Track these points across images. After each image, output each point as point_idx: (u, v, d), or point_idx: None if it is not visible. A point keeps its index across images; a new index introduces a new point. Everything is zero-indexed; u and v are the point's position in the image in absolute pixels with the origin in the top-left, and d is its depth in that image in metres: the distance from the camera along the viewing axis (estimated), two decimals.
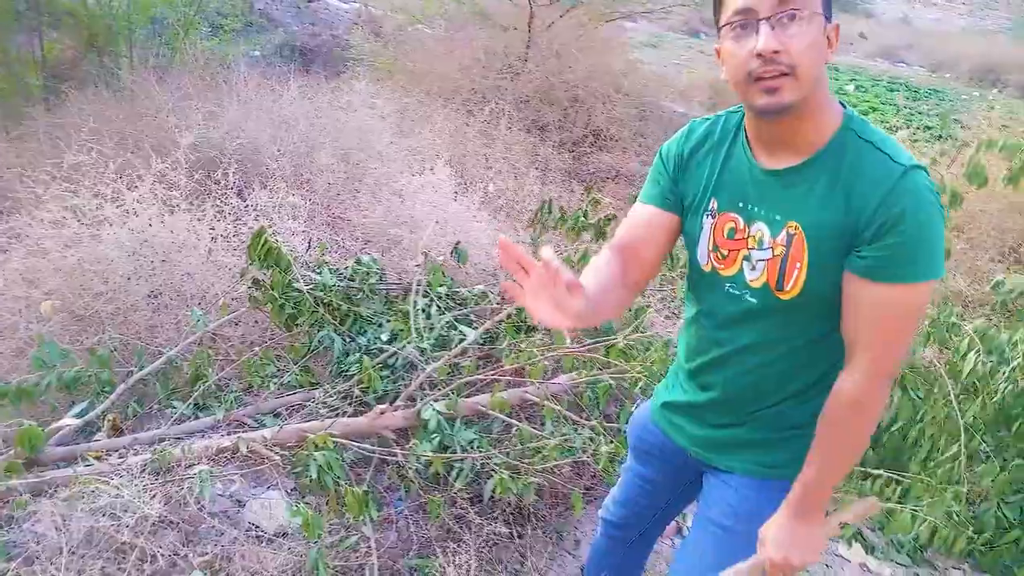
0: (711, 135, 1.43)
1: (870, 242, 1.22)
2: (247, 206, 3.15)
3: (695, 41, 15.27)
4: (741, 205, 1.36)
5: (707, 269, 1.41)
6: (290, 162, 3.83)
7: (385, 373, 2.61)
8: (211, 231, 3.02)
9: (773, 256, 1.32)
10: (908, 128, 9.74)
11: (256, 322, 2.97)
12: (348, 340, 2.71)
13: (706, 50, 13.59)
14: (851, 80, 12.20)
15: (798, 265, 1.30)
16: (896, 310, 1.24)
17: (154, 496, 2.05)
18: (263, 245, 2.65)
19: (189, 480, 2.10)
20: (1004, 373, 2.91)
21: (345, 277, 2.84)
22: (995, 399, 2.87)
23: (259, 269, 2.68)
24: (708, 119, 1.46)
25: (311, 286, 2.73)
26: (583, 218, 3.30)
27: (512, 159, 5.70)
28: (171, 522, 2.09)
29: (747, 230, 1.35)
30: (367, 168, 4.03)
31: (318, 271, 2.79)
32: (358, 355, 2.60)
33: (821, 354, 1.41)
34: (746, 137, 1.36)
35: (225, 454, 2.25)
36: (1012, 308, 3.74)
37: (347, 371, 2.59)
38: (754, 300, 1.36)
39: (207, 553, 2.02)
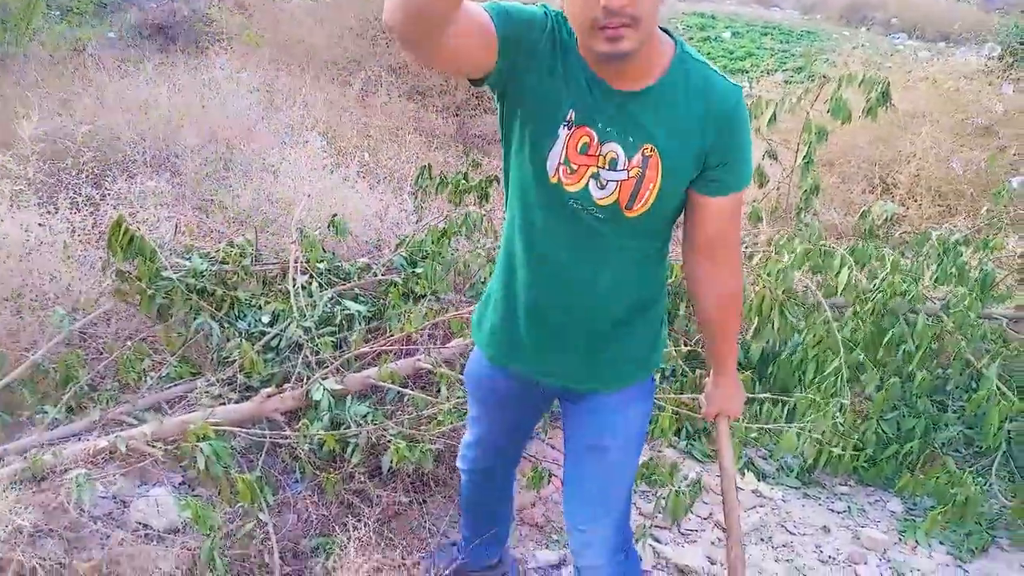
0: (566, 38, 1.33)
1: (716, 166, 1.36)
2: (103, 196, 2.96)
3: None
4: (598, 123, 1.34)
5: (553, 181, 1.38)
6: (152, 146, 3.63)
7: (270, 356, 2.53)
8: (67, 225, 2.83)
9: (628, 178, 1.35)
10: (782, 71, 10.12)
11: (131, 316, 2.82)
12: (227, 325, 2.60)
13: None
14: (727, 27, 12.51)
15: (651, 186, 1.36)
16: (736, 211, 1.46)
17: (28, 506, 1.93)
18: (124, 235, 2.50)
19: (66, 485, 1.98)
20: (875, 286, 3.10)
21: (217, 261, 2.72)
22: (867, 308, 3.04)
23: (123, 260, 2.53)
24: (558, 14, 1.34)
25: (182, 273, 2.60)
26: (464, 181, 3.28)
27: (393, 127, 5.59)
28: (50, 531, 1.98)
29: (600, 148, 1.35)
30: (236, 147, 3.86)
31: (187, 257, 2.66)
32: (239, 340, 2.50)
33: (655, 265, 1.53)
34: (581, 56, 1.33)
35: (103, 455, 2.14)
36: (879, 233, 3.96)
37: (229, 357, 2.49)
38: (600, 216, 1.39)
39: (92, 559, 1.93)
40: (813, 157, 3.40)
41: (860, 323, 3.07)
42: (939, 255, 3.15)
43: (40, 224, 2.77)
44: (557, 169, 1.37)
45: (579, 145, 1.35)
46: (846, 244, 3.30)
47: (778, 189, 3.85)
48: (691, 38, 11.57)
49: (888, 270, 3.09)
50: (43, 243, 2.77)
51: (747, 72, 9.78)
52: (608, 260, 1.44)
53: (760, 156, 3.64)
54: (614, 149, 1.35)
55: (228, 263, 2.75)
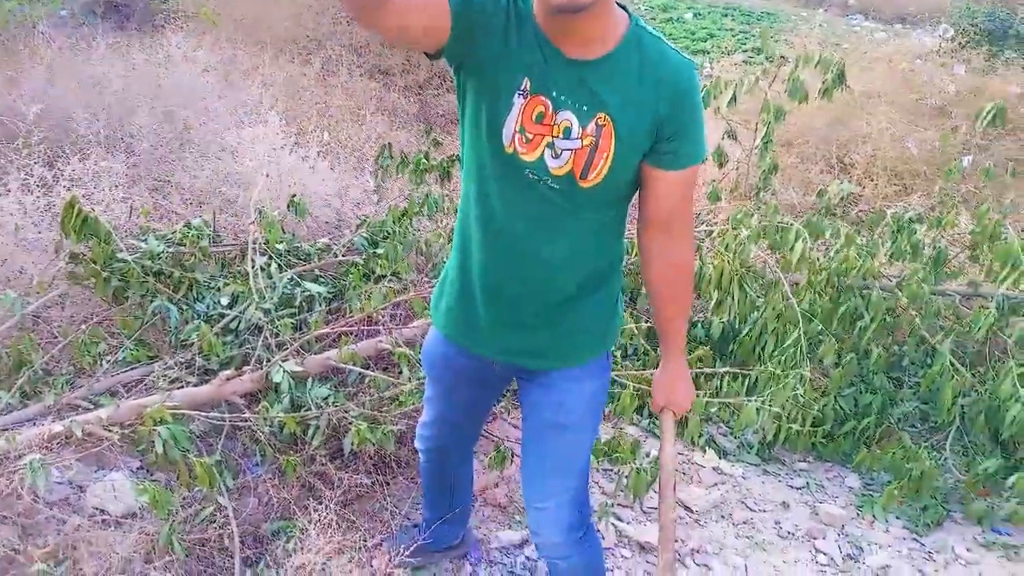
0: (522, 7, 1.34)
1: (670, 138, 1.37)
2: (56, 177, 2.89)
3: None
4: (553, 92, 1.34)
5: (509, 151, 1.38)
6: (105, 126, 3.54)
7: (229, 338, 2.51)
8: (19, 206, 2.76)
9: (582, 146, 1.35)
10: (741, 51, 10.18)
11: (86, 299, 2.77)
12: (185, 308, 2.57)
13: None
14: (688, 8, 12.56)
15: (605, 155, 1.36)
16: (691, 185, 1.47)
17: None
18: (77, 216, 2.44)
19: (20, 471, 1.95)
20: (829, 259, 3.16)
21: (174, 243, 2.68)
22: (821, 279, 3.10)
23: (77, 242, 2.48)
24: None
25: (137, 255, 2.56)
26: (425, 160, 3.26)
27: (354, 106, 5.52)
28: (4, 517, 1.94)
29: (554, 117, 1.34)
30: (193, 126, 3.79)
31: (143, 239, 2.62)
32: (197, 322, 2.47)
33: (610, 238, 1.53)
34: (537, 25, 1.33)
35: (59, 440, 2.10)
36: (836, 212, 4.03)
37: (187, 340, 2.46)
38: (555, 186, 1.39)
39: (48, 544, 1.90)
40: (772, 137, 3.45)
41: (817, 296, 3.12)
42: (893, 233, 3.21)
43: None
44: (513, 138, 1.37)
45: (534, 114, 1.35)
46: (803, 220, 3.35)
47: (737, 169, 3.89)
48: (654, 19, 11.60)
49: (843, 243, 3.15)
50: None
51: (708, 53, 9.83)
52: (563, 231, 1.44)
53: (720, 136, 3.68)
54: (568, 118, 1.35)
55: (185, 245, 2.71)
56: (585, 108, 1.34)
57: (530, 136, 1.36)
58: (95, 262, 2.49)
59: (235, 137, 3.65)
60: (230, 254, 2.83)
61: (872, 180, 4.62)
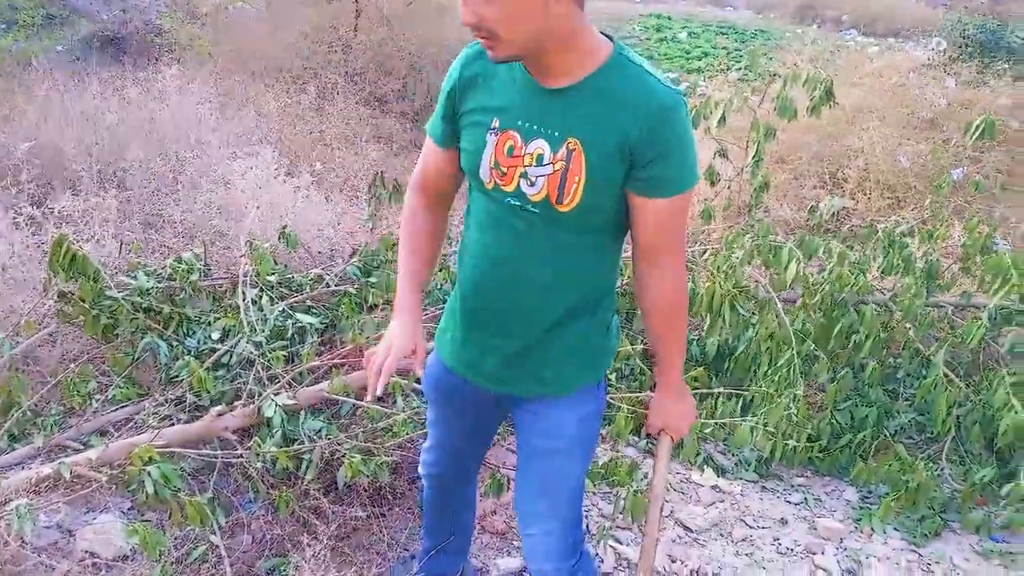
0: (486, 57, 1.43)
1: (646, 165, 1.37)
2: (45, 213, 2.90)
3: None
4: (520, 123, 1.41)
5: (490, 186, 1.46)
6: (97, 162, 3.56)
7: (220, 373, 2.49)
8: (8, 246, 2.77)
9: (554, 171, 1.39)
10: (736, 69, 10.24)
11: (76, 337, 2.76)
12: (176, 344, 2.56)
13: None
14: (683, 28, 12.64)
15: (576, 179, 1.38)
16: (679, 215, 1.45)
17: None
18: (66, 254, 2.45)
19: (6, 517, 1.93)
20: (823, 277, 3.15)
21: (165, 277, 2.67)
22: (815, 300, 3.09)
23: (66, 280, 2.48)
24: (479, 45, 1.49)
25: (127, 291, 2.56)
26: None
27: (350, 133, 5.55)
28: None
29: (524, 148, 1.41)
30: (186, 159, 3.81)
31: (133, 275, 2.62)
32: (187, 358, 2.46)
33: (599, 264, 1.54)
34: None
35: (47, 483, 2.09)
36: (828, 227, 4.02)
37: (177, 377, 2.45)
38: (535, 211, 1.44)
39: None
40: (762, 155, 3.45)
41: (810, 315, 3.11)
42: (885, 247, 3.20)
43: None
44: (490, 173, 1.45)
45: (505, 148, 1.42)
46: (795, 238, 3.34)
47: (729, 187, 3.89)
48: (648, 39, 11.67)
49: (835, 262, 3.15)
50: None
51: (702, 71, 9.88)
52: (547, 256, 1.48)
53: (711, 155, 3.68)
54: (540, 145, 1.40)
55: (176, 279, 2.70)
56: (556, 134, 1.38)
57: (504, 169, 1.43)
58: (84, 300, 2.49)
59: (228, 169, 3.66)
60: (221, 287, 2.82)
61: (865, 194, 4.62)
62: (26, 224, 2.81)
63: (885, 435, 3.04)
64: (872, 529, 2.78)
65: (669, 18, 13.32)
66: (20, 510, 1.90)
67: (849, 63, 5.86)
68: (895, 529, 2.78)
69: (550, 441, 1.61)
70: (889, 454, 2.90)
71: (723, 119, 3.40)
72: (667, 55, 10.84)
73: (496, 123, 1.42)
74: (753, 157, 3.44)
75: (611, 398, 2.68)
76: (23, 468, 2.20)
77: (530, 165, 1.40)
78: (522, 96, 1.40)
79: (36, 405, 2.42)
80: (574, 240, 1.46)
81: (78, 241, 2.75)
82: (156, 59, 6.43)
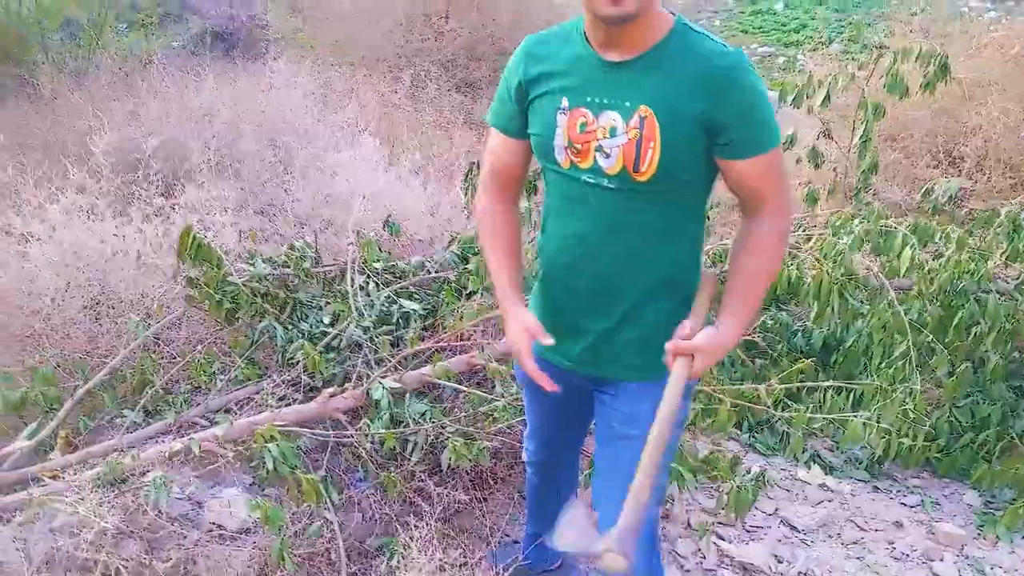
0: (550, 43, 1.51)
1: (727, 128, 1.40)
2: (173, 205, 3.09)
3: None
4: (590, 99, 1.44)
5: (566, 166, 1.50)
6: (215, 154, 3.76)
7: (331, 356, 2.61)
8: (140, 234, 2.97)
9: (628, 140, 1.42)
10: (839, 41, 9.80)
11: (201, 320, 2.95)
12: (290, 327, 2.70)
13: None
14: None
15: (652, 144, 1.40)
16: (768, 173, 1.46)
17: (111, 508, 2.05)
18: (192, 243, 2.61)
19: (145, 488, 2.10)
20: (940, 265, 3.00)
21: (279, 264, 2.81)
22: (932, 288, 2.95)
23: (192, 267, 2.64)
24: (543, 33, 1.56)
25: (246, 277, 2.70)
26: None
27: (443, 120, 5.65)
28: (131, 532, 2.09)
29: (596, 122, 1.44)
30: (294, 150, 3.97)
31: (251, 262, 2.77)
32: (301, 341, 2.59)
33: (680, 243, 1.55)
34: (586, 37, 1.46)
35: (178, 457, 2.25)
36: (944, 210, 3.83)
37: (292, 359, 2.58)
38: (612, 186, 1.46)
39: (171, 559, 2.04)
40: (871, 135, 3.31)
41: (927, 304, 2.97)
42: (1010, 233, 3.03)
43: (115, 235, 2.92)
44: (565, 153, 1.49)
45: (577, 125, 1.46)
46: (909, 220, 3.19)
47: (835, 170, 3.76)
48: (742, 12, 11.29)
49: (954, 248, 3.00)
50: (118, 253, 2.91)
51: (801, 44, 9.50)
52: (627, 231, 1.50)
53: (815, 136, 3.56)
54: (612, 117, 1.43)
55: (289, 266, 2.84)
56: (627, 104, 1.41)
57: (579, 146, 1.47)
58: (208, 285, 2.65)
59: (333, 159, 3.80)
60: (331, 274, 2.94)
61: (984, 174, 4.36)
62: (156, 215, 3.00)
63: (1011, 435, 2.87)
64: (997, 537, 2.63)
65: None
66: (157, 481, 2.06)
67: (964, 32, 5.51)
68: (1022, 538, 2.63)
69: (631, 427, 1.60)
70: (1015, 456, 2.75)
71: (827, 98, 3.29)
72: (762, 28, 10.49)
73: (565, 102, 1.46)
74: (861, 137, 3.31)
75: (711, 390, 2.65)
76: (157, 442, 2.37)
77: (604, 138, 1.44)
78: (588, 72, 1.44)
79: (167, 384, 2.60)
80: (653, 213, 1.49)
81: (201, 230, 2.93)
82: (263, 52, 6.71)
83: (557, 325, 1.61)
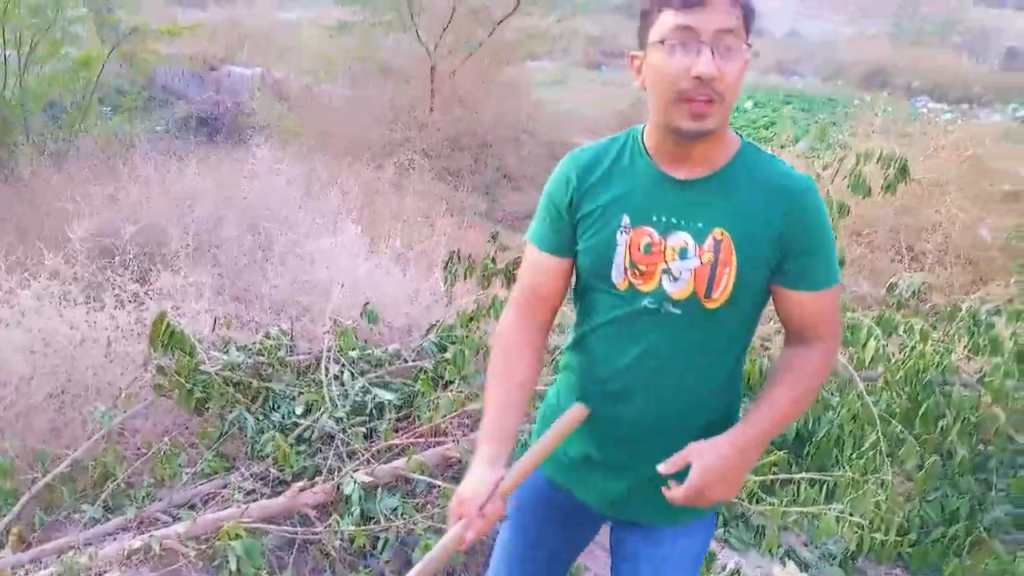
0: (602, 158, 1.41)
1: (798, 256, 1.32)
2: (148, 292, 3.09)
3: (598, 74, 15.76)
4: (656, 218, 1.34)
5: (623, 288, 1.37)
6: (194, 239, 3.78)
7: (302, 447, 2.58)
8: (112, 320, 2.95)
9: (701, 264, 1.32)
10: (805, 139, 10.18)
11: (168, 410, 2.90)
12: (261, 418, 2.67)
13: (609, 82, 13.99)
14: (748, 97, 12.69)
15: (727, 270, 1.31)
16: (830, 308, 1.38)
17: None
18: (165, 330, 2.60)
19: None
20: (905, 355, 3.05)
21: (254, 352, 2.80)
22: (898, 378, 2.98)
23: (163, 355, 2.63)
24: (590, 147, 1.45)
25: (219, 366, 2.69)
26: (491, 264, 3.35)
27: (426, 208, 5.75)
28: None
29: (663, 242, 1.33)
30: (274, 236, 4.01)
31: (225, 350, 2.75)
32: (272, 433, 2.56)
33: (736, 371, 1.44)
34: (646, 151, 1.37)
35: (137, 556, 2.18)
36: (908, 304, 3.92)
37: (262, 451, 2.55)
38: (678, 311, 1.34)
39: None
40: (836, 232, 3.41)
41: (894, 395, 3.01)
42: (970, 327, 3.10)
43: (86, 322, 2.90)
44: (625, 274, 1.36)
45: (641, 246, 1.35)
46: (874, 315, 3.26)
47: None
48: None
49: (918, 339, 3.05)
50: (87, 340, 2.88)
51: (770, 141, 9.87)
52: (692, 362, 1.38)
53: None
54: (682, 238, 1.33)
55: (264, 355, 2.83)
56: (700, 225, 1.32)
57: (642, 268, 1.35)
58: (179, 374, 2.63)
59: (313, 245, 3.84)
60: (305, 362, 2.93)
61: (945, 268, 4.50)
62: (129, 301, 2.99)
63: (980, 529, 2.87)
64: None
65: None
66: None
67: (923, 133, 5.77)
68: None
69: (663, 570, 1.49)
70: (984, 551, 2.74)
71: None
72: (733, 125, 10.85)
73: (626, 220, 1.35)
74: None
75: (757, 509, 2.62)
76: (115, 539, 2.30)
77: (673, 260, 1.33)
78: (652, 190, 1.35)
79: (129, 477, 2.54)
80: (720, 341, 1.38)
81: (176, 316, 2.92)
82: (247, 138, 6.84)
83: (597, 462, 1.46)
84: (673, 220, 1.33)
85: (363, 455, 2.50)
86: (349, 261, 3.68)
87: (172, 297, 3.20)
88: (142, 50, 7.76)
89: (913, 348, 3.05)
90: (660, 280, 1.34)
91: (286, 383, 2.83)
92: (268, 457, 2.52)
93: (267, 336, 2.91)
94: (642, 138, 1.39)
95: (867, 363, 3.02)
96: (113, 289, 3.05)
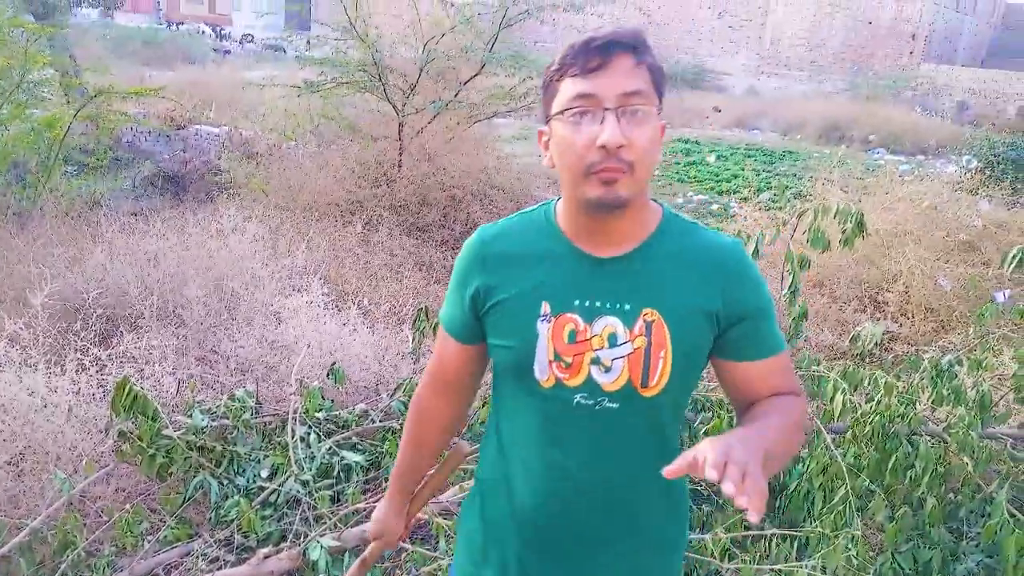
0: (513, 238, 1.30)
1: (737, 323, 1.23)
2: (111, 355, 3.04)
3: None
4: (578, 303, 1.22)
5: (548, 385, 1.23)
6: (159, 300, 3.74)
7: (268, 512, 2.53)
8: (73, 385, 2.89)
9: (634, 350, 1.20)
10: (767, 190, 10.43)
11: (131, 474, 2.83)
12: (226, 482, 2.61)
13: None
14: (711, 151, 13.01)
15: (662, 354, 1.20)
16: (788, 370, 1.29)
17: None
18: (128, 395, 2.56)
19: None
20: (872, 408, 3.09)
21: (218, 415, 2.76)
22: (865, 431, 3.02)
23: (125, 420, 2.57)
24: (500, 225, 1.34)
25: (183, 430, 2.64)
26: None
27: (394, 263, 5.76)
28: None
29: (589, 329, 1.21)
30: (240, 296, 3.98)
31: (189, 414, 2.71)
32: (237, 498, 2.51)
33: (675, 456, 1.27)
34: (561, 229, 1.27)
35: None
36: (873, 354, 3.99)
37: (227, 516, 2.49)
38: (614, 405, 1.22)
39: None
40: (798, 285, 3.49)
41: (862, 448, 3.04)
42: (933, 378, 3.16)
43: (47, 387, 2.83)
44: (549, 368, 1.23)
45: (565, 335, 1.22)
46: (841, 365, 3.32)
47: None
48: (677, 163, 12.02)
49: (883, 392, 3.10)
50: (47, 405, 2.82)
51: (733, 192, 10.10)
52: (631, 456, 1.26)
53: None
54: (610, 323, 1.21)
55: (229, 417, 2.79)
56: (627, 307, 1.21)
57: (568, 360, 1.22)
58: (142, 439, 2.57)
59: (280, 304, 3.81)
60: (271, 425, 2.89)
61: (908, 318, 4.60)
62: (91, 364, 2.94)
63: None
64: None
65: (697, 142, 13.75)
66: None
67: (880, 185, 5.96)
68: None
69: None
70: None
71: (756, 251, 3.47)
72: (696, 178, 11.13)
73: (547, 308, 1.23)
74: (789, 288, 3.48)
75: (729, 567, 2.60)
76: None
77: (601, 348, 1.21)
78: (572, 271, 1.24)
79: (90, 546, 2.46)
80: (659, 432, 1.27)
81: (139, 379, 2.87)
82: (214, 197, 6.82)
83: (521, 566, 1.34)
84: (598, 303, 1.22)
85: (330, 519, 2.45)
86: (315, 320, 3.66)
87: (135, 360, 3.16)
88: (108, 111, 7.75)
89: (879, 401, 3.10)
90: (589, 372, 1.22)
91: (251, 446, 2.79)
92: (233, 522, 2.46)
93: (232, 398, 2.87)
94: (555, 215, 1.28)
95: (835, 417, 3.06)
96: (75, 352, 2.99)
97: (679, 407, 1.31)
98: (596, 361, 1.22)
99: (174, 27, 31.85)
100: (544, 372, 1.24)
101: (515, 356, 1.25)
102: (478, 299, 1.29)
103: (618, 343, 1.21)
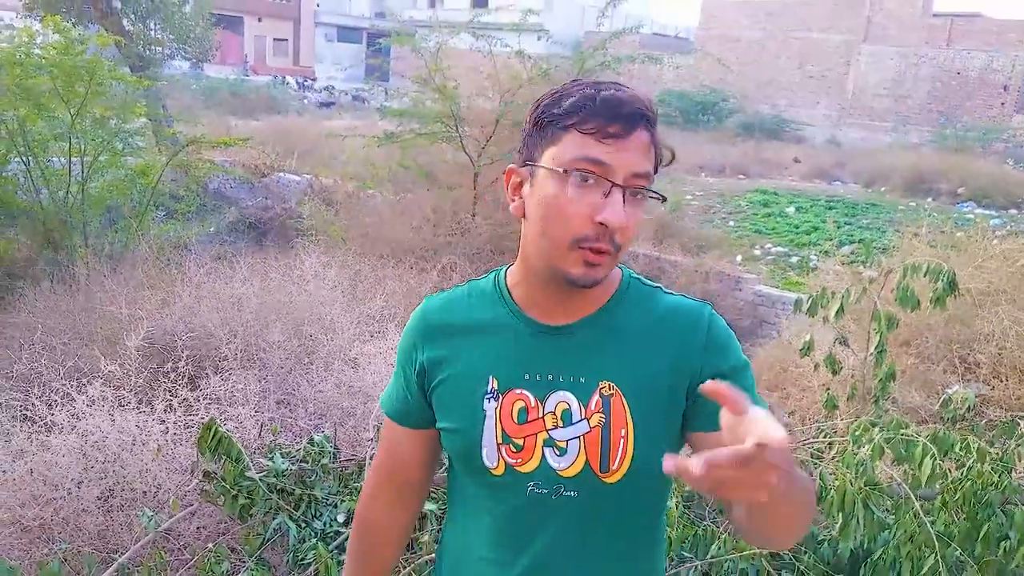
0: (457, 310, 1.19)
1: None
2: (198, 396, 3.15)
3: None
4: (529, 377, 1.10)
5: (498, 473, 1.11)
6: (242, 343, 3.87)
7: (343, 557, 2.54)
8: (161, 425, 3.00)
9: (591, 428, 1.07)
10: (849, 243, 10.17)
11: (212, 512, 2.91)
12: (303, 525, 2.65)
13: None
14: (791, 203, 12.79)
15: (623, 432, 1.07)
16: None
17: None
18: (213, 436, 2.63)
19: None
20: (963, 475, 2.94)
21: (297, 459, 2.81)
22: (956, 498, 2.87)
23: (210, 461, 2.65)
24: (444, 296, 1.23)
25: (263, 472, 2.70)
26: None
27: None
28: None
29: (541, 407, 1.09)
30: (319, 340, 4.08)
31: (270, 456, 2.77)
32: (314, 541, 2.54)
33: (650, 552, 1.17)
34: (510, 296, 1.15)
35: None
36: (964, 418, 3.81)
37: (304, 559, 2.52)
38: (572, 494, 1.09)
39: None
40: (885, 346, 3.38)
41: (952, 516, 2.89)
42: None
43: (137, 426, 2.95)
44: (498, 453, 1.10)
45: (515, 414, 1.10)
46: (930, 429, 3.18)
47: (852, 376, 3.80)
48: (755, 214, 11.84)
49: (976, 458, 2.96)
50: (136, 443, 2.93)
51: (813, 245, 9.88)
52: (596, 554, 1.12)
53: (831, 341, 3.63)
54: (564, 398, 1.09)
55: (308, 461, 2.84)
56: (583, 380, 1.09)
57: (519, 442, 1.09)
58: (225, 480, 2.64)
59: (357, 350, 3.90)
60: (348, 470, 2.93)
61: (1000, 380, 4.38)
62: (179, 405, 3.05)
63: None
64: None
65: (776, 193, 13.53)
66: None
67: (971, 240, 5.74)
68: None
69: None
70: None
71: (841, 309, 3.38)
72: (775, 230, 10.95)
73: (494, 384, 1.11)
74: (876, 347, 3.37)
75: None
76: None
77: (555, 427, 1.08)
78: (521, 342, 1.12)
79: None
80: (631, 522, 1.13)
81: (223, 421, 2.96)
82: (294, 242, 7.07)
83: None
84: (550, 377, 1.10)
85: (404, 567, 2.45)
86: (393, 366, 3.71)
87: (219, 401, 3.26)
88: (197, 159, 8.17)
89: (971, 467, 2.95)
90: (543, 455, 1.09)
91: (328, 490, 2.82)
92: (310, 566, 2.49)
93: (311, 442, 2.92)
94: (505, 281, 1.17)
95: (924, 483, 2.92)
96: (164, 393, 3.12)
97: (653, 494, 1.14)
98: (550, 443, 1.09)
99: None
100: (493, 458, 1.11)
101: (462, 440, 1.13)
102: (424, 376, 1.18)
103: (573, 421, 1.08)
